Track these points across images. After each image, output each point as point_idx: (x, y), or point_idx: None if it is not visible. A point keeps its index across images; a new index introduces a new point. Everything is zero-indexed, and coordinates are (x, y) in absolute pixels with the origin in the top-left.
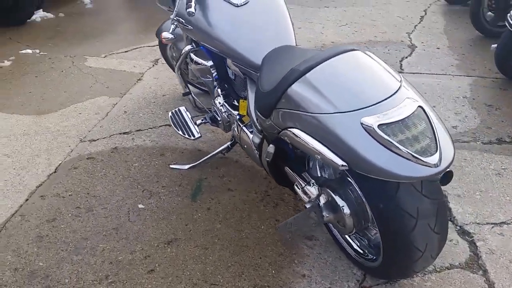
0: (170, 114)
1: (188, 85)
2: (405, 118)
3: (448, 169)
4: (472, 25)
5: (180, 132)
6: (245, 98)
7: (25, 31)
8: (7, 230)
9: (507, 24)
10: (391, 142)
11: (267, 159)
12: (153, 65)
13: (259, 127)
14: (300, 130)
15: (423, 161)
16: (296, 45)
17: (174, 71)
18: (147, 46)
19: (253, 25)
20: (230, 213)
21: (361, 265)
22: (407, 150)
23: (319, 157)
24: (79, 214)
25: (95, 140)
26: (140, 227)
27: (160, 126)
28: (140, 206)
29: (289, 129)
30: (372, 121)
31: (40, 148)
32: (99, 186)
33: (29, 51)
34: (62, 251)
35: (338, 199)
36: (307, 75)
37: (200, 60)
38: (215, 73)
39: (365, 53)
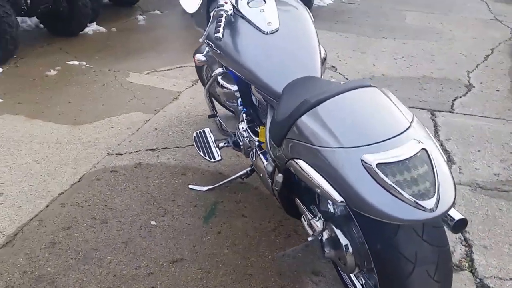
0: (194, 134)
1: (215, 107)
2: (406, 159)
3: (463, 217)
4: None
5: (202, 153)
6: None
7: (76, 42)
8: (23, 233)
9: None
10: (387, 182)
11: (276, 188)
12: (192, 85)
13: (272, 155)
14: (304, 161)
15: (418, 204)
16: (322, 76)
17: None
18: (190, 66)
19: (279, 54)
20: (240, 239)
21: None
22: (403, 191)
23: (319, 190)
24: (93, 225)
25: (122, 154)
26: (149, 243)
27: (186, 145)
28: (153, 222)
29: (295, 160)
30: (372, 159)
31: (69, 157)
32: (117, 199)
33: (76, 62)
34: (71, 259)
35: (340, 236)
36: (317, 107)
37: (226, 84)
38: (240, 98)
39: (380, 90)
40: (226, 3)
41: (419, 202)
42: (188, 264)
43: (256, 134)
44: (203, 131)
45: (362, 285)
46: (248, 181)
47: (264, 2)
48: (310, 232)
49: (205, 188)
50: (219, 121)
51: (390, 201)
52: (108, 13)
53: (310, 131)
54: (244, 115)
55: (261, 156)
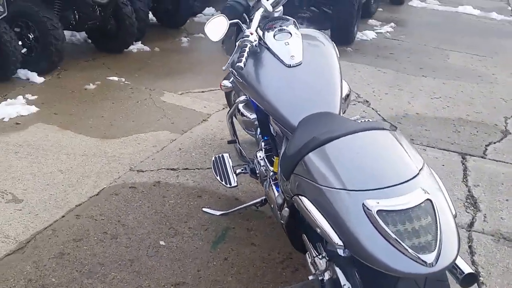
0: (213, 158)
1: (236, 134)
2: (408, 208)
3: (472, 272)
4: None
5: (218, 178)
6: None
7: (119, 59)
8: (35, 241)
9: None
10: (387, 231)
11: (282, 221)
12: (222, 108)
13: (282, 188)
14: (308, 199)
15: (418, 257)
16: (342, 112)
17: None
18: None
19: (298, 87)
20: (245, 268)
21: None
22: (402, 242)
23: (319, 230)
24: (103, 239)
25: (143, 171)
26: (154, 263)
27: (207, 168)
28: (161, 243)
29: (299, 196)
30: (373, 204)
31: (92, 170)
32: (131, 216)
33: (115, 78)
34: (76, 272)
35: (342, 278)
36: (326, 146)
37: (246, 113)
38: (258, 127)
39: (393, 134)
40: (252, 34)
41: (419, 255)
42: None
43: (272, 164)
44: (222, 155)
45: None
46: (263, 210)
47: (290, 35)
48: (313, 271)
49: (218, 213)
50: (239, 147)
51: (388, 251)
52: (155, 33)
53: (316, 169)
54: (263, 144)
55: (273, 187)
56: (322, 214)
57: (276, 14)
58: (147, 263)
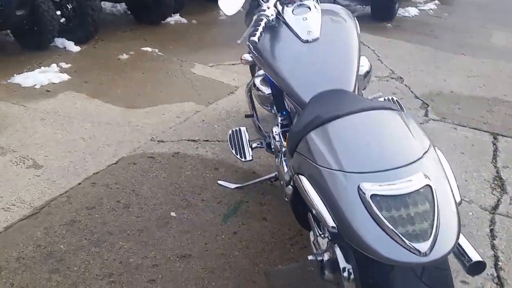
0: (230, 131)
1: (255, 108)
2: (405, 194)
3: (480, 260)
4: None
5: (234, 151)
6: None
7: (156, 31)
8: (49, 207)
9: None
10: (379, 216)
11: (286, 199)
12: None
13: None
14: (306, 179)
15: (410, 246)
16: (358, 90)
17: None
18: None
19: (313, 63)
20: (254, 243)
21: None
22: (394, 229)
23: (314, 211)
24: (115, 208)
25: (163, 142)
26: (163, 234)
27: (227, 140)
28: (172, 214)
29: (299, 175)
30: (368, 188)
31: (114, 139)
32: (146, 186)
33: (149, 49)
34: (85, 240)
35: (341, 260)
36: (327, 125)
37: (261, 87)
38: (273, 102)
39: (400, 114)
40: (268, 8)
41: (412, 243)
42: (194, 261)
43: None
44: (239, 129)
45: None
46: (278, 184)
47: (309, 10)
48: (314, 250)
49: (233, 186)
50: (256, 121)
51: (380, 238)
52: (193, 6)
53: (316, 149)
54: (279, 119)
55: (284, 163)
56: (318, 195)
57: None
58: (156, 234)
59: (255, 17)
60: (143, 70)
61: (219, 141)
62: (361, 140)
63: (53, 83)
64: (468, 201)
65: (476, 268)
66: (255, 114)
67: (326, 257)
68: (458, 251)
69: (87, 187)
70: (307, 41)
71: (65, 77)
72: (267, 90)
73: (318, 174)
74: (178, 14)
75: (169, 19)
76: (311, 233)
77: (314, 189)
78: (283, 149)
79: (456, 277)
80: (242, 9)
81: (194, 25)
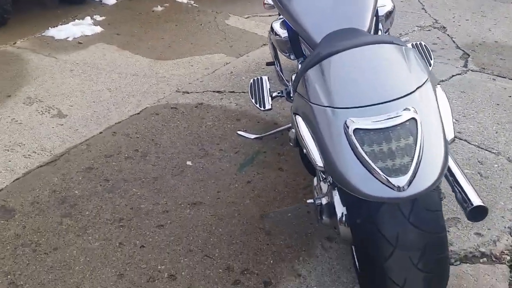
0: (251, 80)
1: (278, 56)
2: (388, 127)
3: (482, 204)
4: None
5: (253, 100)
6: None
7: None
8: (69, 155)
9: None
10: (360, 151)
11: (290, 143)
12: None
13: None
14: (301, 118)
15: (387, 180)
16: (370, 30)
17: None
18: None
19: (327, 3)
20: (266, 192)
21: None
22: (374, 164)
23: (305, 150)
24: (133, 157)
25: (188, 93)
26: (176, 182)
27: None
28: (188, 163)
29: (296, 115)
30: (352, 123)
31: (139, 89)
32: (165, 136)
33: (184, 0)
34: (100, 186)
35: (337, 204)
36: (323, 61)
37: (279, 31)
38: (290, 47)
39: (399, 48)
40: None
41: (389, 178)
42: (204, 209)
43: None
44: (261, 78)
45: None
46: None
47: None
48: (316, 195)
49: (252, 136)
50: (279, 70)
51: (360, 173)
52: None
53: (311, 86)
54: (299, 65)
55: None
56: (310, 134)
57: None
58: (170, 182)
59: None
60: (177, 22)
61: (244, 93)
62: (354, 75)
63: (86, 36)
64: (495, 153)
65: (477, 213)
66: (276, 62)
67: (324, 201)
68: (461, 196)
69: (108, 136)
70: None
71: (98, 29)
72: (284, 34)
73: (311, 111)
74: None
75: None
76: (315, 178)
77: (307, 128)
78: None
79: (470, 229)
80: None
81: None
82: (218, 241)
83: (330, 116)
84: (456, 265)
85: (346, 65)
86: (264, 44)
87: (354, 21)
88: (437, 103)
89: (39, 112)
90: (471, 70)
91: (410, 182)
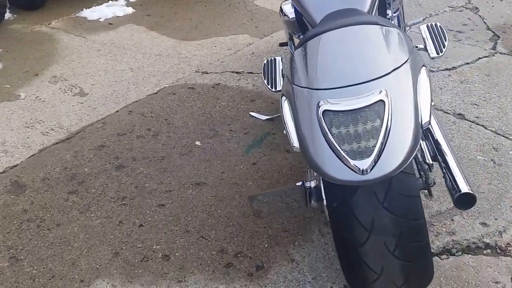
0: (265, 61)
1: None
2: (356, 109)
3: (469, 192)
4: None
5: (265, 81)
6: None
7: None
8: (84, 133)
9: None
10: (327, 133)
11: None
12: None
13: None
14: (285, 99)
15: (351, 163)
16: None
17: None
18: None
19: None
20: (270, 174)
21: None
22: (339, 146)
23: (284, 132)
24: (145, 135)
25: (207, 73)
26: (183, 162)
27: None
28: (197, 143)
29: (282, 96)
30: (322, 104)
31: (160, 69)
32: (179, 115)
33: None
34: (109, 164)
35: (323, 187)
36: (308, 42)
37: (286, 11)
38: (298, 27)
39: (383, 29)
40: None
41: (353, 160)
42: (207, 189)
43: None
44: (274, 58)
45: None
46: None
47: None
48: (308, 178)
49: (264, 117)
50: (291, 51)
51: (326, 156)
52: None
53: (294, 67)
54: None
55: None
56: (291, 115)
57: None
58: (176, 162)
59: None
60: (206, 3)
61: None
62: (331, 57)
63: (117, 17)
64: None
65: (465, 201)
66: (290, 43)
67: (313, 184)
68: (450, 183)
69: (123, 115)
70: None
71: (130, 10)
72: (291, 15)
73: (292, 92)
74: None
75: None
76: None
77: (289, 109)
78: None
79: (476, 219)
80: None
81: None
82: (215, 223)
83: (306, 97)
84: (457, 255)
85: (327, 46)
86: None
87: (354, 1)
88: (416, 86)
89: (62, 91)
90: (500, 53)
91: (373, 165)
